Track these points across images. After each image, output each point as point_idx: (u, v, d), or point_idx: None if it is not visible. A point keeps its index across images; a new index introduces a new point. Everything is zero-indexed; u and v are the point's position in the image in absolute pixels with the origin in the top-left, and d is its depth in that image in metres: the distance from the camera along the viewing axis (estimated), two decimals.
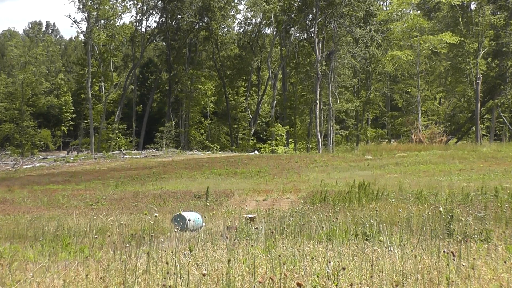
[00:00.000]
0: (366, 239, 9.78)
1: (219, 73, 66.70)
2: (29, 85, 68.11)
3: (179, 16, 63.57)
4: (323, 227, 11.04)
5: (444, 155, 35.71)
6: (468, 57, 54.06)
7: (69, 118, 74.50)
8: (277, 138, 58.43)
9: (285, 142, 59.19)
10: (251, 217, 13.14)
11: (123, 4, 62.02)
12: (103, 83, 64.29)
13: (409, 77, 63.21)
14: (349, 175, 27.44)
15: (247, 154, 49.06)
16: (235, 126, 68.00)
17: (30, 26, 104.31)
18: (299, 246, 9.12)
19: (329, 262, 6.94)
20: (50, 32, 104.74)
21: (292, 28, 60.21)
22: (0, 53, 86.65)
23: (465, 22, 54.56)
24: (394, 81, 66.91)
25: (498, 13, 56.52)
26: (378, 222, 10.94)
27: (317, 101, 53.17)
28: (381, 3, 65.39)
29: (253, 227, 11.46)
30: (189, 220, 13.56)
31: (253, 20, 66.41)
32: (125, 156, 48.01)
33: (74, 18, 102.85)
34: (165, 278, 6.46)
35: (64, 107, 74.27)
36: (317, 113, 53.71)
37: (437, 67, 64.33)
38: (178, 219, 13.57)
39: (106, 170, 38.45)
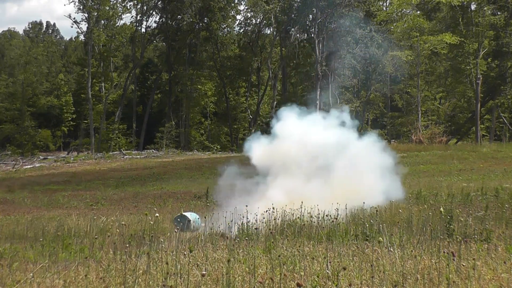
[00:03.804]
0: (366, 239, 9.79)
1: (219, 73, 66.69)
2: (29, 86, 68.10)
3: (179, 16, 63.55)
4: (323, 227, 11.05)
5: (444, 156, 35.71)
6: (468, 57, 54.03)
7: (70, 119, 74.44)
8: None
9: None
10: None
11: (123, 4, 62.05)
12: (103, 84, 64.27)
13: (409, 77, 63.19)
14: None
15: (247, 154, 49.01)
16: (235, 126, 67.97)
17: (30, 26, 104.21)
18: (299, 247, 9.13)
19: (329, 262, 6.95)
20: (50, 32, 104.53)
21: (292, 29, 60.19)
22: (0, 54, 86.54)
23: (465, 22, 54.53)
24: (394, 81, 66.90)
25: (498, 13, 56.49)
26: (378, 222, 10.95)
27: (317, 102, 53.16)
28: (381, 4, 65.35)
29: (253, 227, 11.46)
30: (189, 220, 13.60)
31: (253, 21, 66.42)
32: (125, 157, 48.00)
33: (74, 19, 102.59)
34: (165, 278, 6.46)
35: (64, 108, 74.21)
36: (317, 113, 53.64)
37: (437, 67, 64.29)
38: (179, 219, 13.59)
39: (106, 170, 38.46)
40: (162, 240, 9.89)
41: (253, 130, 61.08)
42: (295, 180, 14.02)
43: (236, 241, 10.17)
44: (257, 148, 14.82)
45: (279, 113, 15.90)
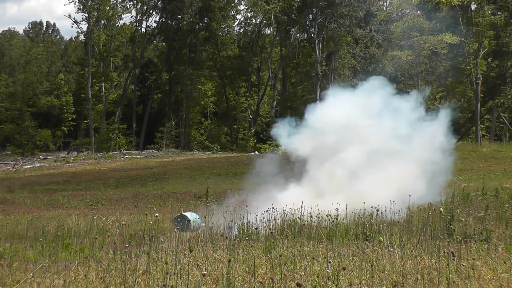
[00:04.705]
0: (366, 239, 9.78)
1: (219, 73, 66.69)
2: (29, 85, 68.08)
3: (179, 16, 63.55)
4: (323, 227, 11.04)
5: None
6: (468, 57, 54.04)
7: (70, 119, 74.45)
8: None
9: None
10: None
11: (123, 4, 62.04)
12: (103, 83, 64.24)
13: (409, 77, 63.16)
14: None
15: (247, 154, 49.09)
16: (235, 126, 67.97)
17: (30, 26, 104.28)
18: (299, 247, 9.13)
19: (329, 262, 6.95)
20: (50, 32, 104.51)
21: (292, 29, 60.18)
22: (0, 54, 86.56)
23: (465, 22, 54.53)
24: (394, 81, 66.82)
25: (498, 13, 56.50)
26: (378, 222, 10.94)
27: (317, 102, 53.12)
28: (381, 3, 65.36)
29: (253, 227, 11.46)
30: (189, 220, 13.60)
31: (253, 21, 66.43)
32: (125, 157, 48.01)
33: (74, 19, 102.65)
34: (165, 278, 6.46)
35: (64, 108, 74.23)
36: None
37: (437, 67, 64.29)
38: (179, 219, 13.59)
39: (106, 170, 38.46)
40: (162, 240, 9.88)
41: (253, 130, 61.12)
42: (347, 171, 13.63)
43: (236, 241, 10.17)
44: (301, 138, 14.37)
45: (328, 95, 15.35)
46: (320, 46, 54.35)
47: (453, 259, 6.99)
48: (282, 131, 15.15)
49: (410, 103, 14.52)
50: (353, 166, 13.64)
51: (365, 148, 13.80)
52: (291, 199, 12.53)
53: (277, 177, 14.78)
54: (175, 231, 10.91)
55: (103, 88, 64.26)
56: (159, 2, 64.23)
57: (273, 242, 9.50)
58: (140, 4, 62.89)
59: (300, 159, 14.75)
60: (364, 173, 13.55)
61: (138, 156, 48.75)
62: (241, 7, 72.94)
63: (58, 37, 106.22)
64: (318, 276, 6.61)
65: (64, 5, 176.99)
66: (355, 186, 13.08)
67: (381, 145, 13.83)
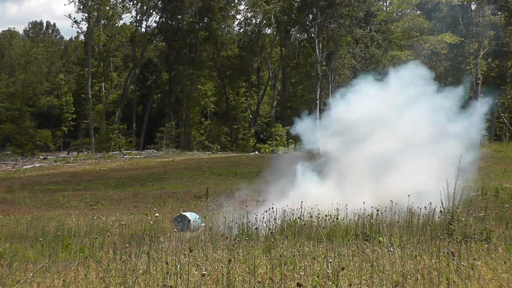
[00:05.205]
0: (366, 239, 9.78)
1: (219, 73, 66.70)
2: (29, 86, 68.10)
3: (179, 16, 63.57)
4: (323, 227, 11.04)
5: None
6: (468, 57, 54.06)
7: (70, 119, 74.47)
8: (278, 138, 58.43)
9: (285, 143, 59.18)
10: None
11: (123, 4, 62.05)
12: (103, 83, 64.28)
13: None
14: None
15: (247, 154, 49.13)
16: (235, 126, 67.97)
17: (30, 26, 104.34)
18: (299, 247, 9.13)
19: (329, 262, 6.94)
20: (50, 32, 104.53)
21: (292, 29, 60.19)
22: (0, 54, 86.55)
23: (465, 22, 54.56)
24: None
25: (498, 13, 56.52)
26: (378, 222, 10.93)
27: (317, 102, 53.16)
28: (381, 3, 65.34)
29: (253, 227, 11.46)
30: (189, 220, 13.60)
31: (253, 21, 66.44)
32: (125, 157, 48.01)
33: (74, 19, 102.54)
34: (165, 278, 6.46)
35: (64, 108, 74.25)
36: (317, 113, 53.67)
37: (437, 67, 64.28)
38: (179, 219, 13.59)
39: (106, 170, 38.46)
40: (162, 240, 9.88)
41: (253, 130, 61.12)
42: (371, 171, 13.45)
43: (236, 241, 10.17)
44: (325, 134, 14.21)
45: (356, 86, 14.98)
46: (320, 46, 54.34)
47: (453, 259, 7.00)
48: (305, 127, 14.98)
49: (447, 97, 14.11)
50: (379, 163, 13.43)
51: (394, 144, 13.55)
52: (318, 196, 12.43)
53: (300, 174, 14.71)
54: (175, 231, 10.91)
55: (103, 88, 64.27)
56: (159, 2, 64.25)
57: (273, 242, 9.50)
58: (140, 4, 62.91)
59: (325, 156, 14.65)
60: (391, 170, 13.34)
61: (138, 156, 48.75)
62: (241, 7, 72.93)
63: (58, 37, 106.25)
64: (318, 276, 6.61)
65: (64, 5, 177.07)
66: (382, 183, 12.94)
67: (412, 141, 13.55)
